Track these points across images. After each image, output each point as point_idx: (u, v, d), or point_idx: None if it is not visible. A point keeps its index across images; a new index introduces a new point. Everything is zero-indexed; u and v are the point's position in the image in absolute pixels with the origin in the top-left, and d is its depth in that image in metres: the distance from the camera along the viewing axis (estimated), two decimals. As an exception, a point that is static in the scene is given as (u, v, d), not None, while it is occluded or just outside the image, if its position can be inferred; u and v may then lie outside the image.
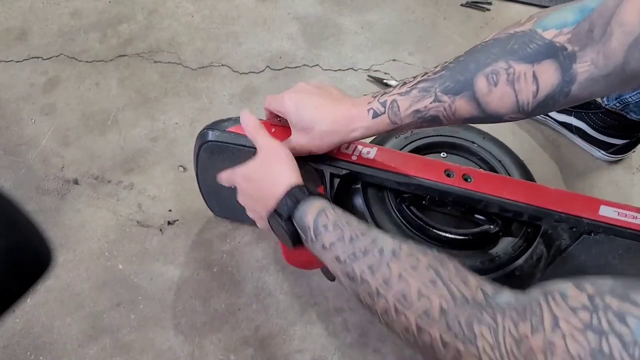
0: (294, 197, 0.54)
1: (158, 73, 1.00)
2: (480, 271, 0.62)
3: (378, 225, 0.65)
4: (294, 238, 0.54)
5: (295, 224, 0.54)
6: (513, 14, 1.05)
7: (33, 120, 0.95)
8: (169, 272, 0.81)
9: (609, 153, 0.89)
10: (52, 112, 0.96)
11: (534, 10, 1.06)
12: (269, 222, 0.57)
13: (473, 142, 0.72)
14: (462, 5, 1.08)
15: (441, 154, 0.71)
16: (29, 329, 0.77)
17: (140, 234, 0.84)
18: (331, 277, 0.69)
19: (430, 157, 0.69)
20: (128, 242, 0.83)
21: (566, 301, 0.36)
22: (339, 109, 0.57)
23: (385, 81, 0.98)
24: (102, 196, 0.87)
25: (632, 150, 0.90)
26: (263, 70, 1.00)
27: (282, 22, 1.07)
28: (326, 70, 1.00)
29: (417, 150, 0.71)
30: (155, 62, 1.01)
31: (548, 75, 0.48)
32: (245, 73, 1.00)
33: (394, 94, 0.55)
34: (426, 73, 0.55)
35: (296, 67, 1.00)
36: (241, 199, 0.62)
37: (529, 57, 0.48)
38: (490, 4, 1.08)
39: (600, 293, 0.34)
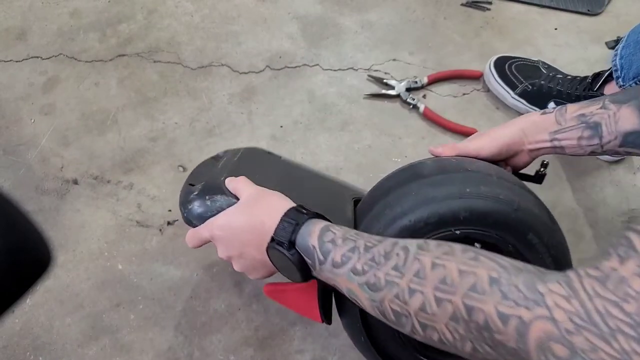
0: (291, 219, 0.49)
1: (157, 73, 1.00)
2: None
3: None
4: (301, 266, 0.49)
5: (299, 249, 0.48)
6: (514, 13, 1.05)
7: (32, 120, 0.95)
8: (169, 273, 0.81)
9: (611, 152, 0.89)
10: (52, 112, 0.96)
11: (534, 10, 1.05)
12: (269, 256, 0.52)
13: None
14: (462, 4, 1.08)
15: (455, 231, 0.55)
16: (28, 330, 0.77)
17: (140, 234, 0.84)
18: (328, 320, 0.62)
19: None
20: (127, 242, 0.83)
21: None
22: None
23: (385, 81, 0.98)
24: (101, 196, 0.87)
25: (633, 150, 0.90)
26: (263, 70, 1.00)
27: (282, 21, 1.06)
28: (326, 70, 1.00)
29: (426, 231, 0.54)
30: (154, 61, 1.01)
31: None
32: (245, 73, 1.00)
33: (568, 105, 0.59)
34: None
35: (296, 66, 1.00)
36: (223, 251, 0.56)
37: None
38: (490, 3, 1.07)
39: None
